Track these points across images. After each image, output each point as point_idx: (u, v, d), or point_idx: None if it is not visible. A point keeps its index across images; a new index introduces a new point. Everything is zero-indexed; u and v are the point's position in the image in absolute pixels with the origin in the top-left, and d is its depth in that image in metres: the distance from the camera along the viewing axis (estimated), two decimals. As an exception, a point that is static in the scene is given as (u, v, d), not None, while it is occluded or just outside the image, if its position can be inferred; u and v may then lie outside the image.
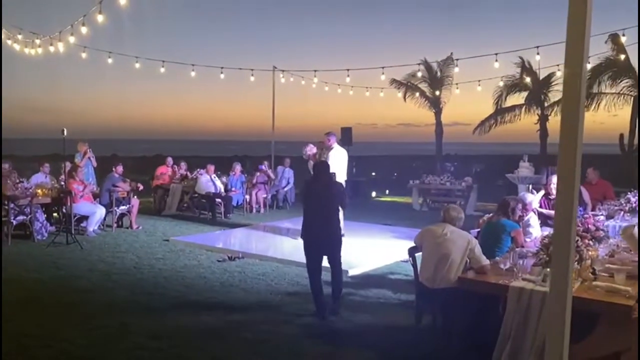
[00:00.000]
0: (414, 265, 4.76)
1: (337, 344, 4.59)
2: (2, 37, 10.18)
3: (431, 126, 20.06)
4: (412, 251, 4.81)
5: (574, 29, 2.18)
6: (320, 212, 5.44)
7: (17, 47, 10.05)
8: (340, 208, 5.75)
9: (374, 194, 16.65)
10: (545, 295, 3.82)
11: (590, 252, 4.29)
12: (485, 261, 4.35)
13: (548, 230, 5.98)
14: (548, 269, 4.03)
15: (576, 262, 4.16)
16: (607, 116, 18.54)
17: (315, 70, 14.08)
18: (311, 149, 8.74)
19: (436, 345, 4.54)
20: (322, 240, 5.43)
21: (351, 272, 6.86)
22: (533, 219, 6.08)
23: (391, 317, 5.27)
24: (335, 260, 5.48)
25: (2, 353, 4.21)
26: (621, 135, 18.09)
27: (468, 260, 4.45)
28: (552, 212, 6.53)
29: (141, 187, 10.46)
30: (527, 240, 5.73)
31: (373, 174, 22.30)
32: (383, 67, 12.94)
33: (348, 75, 13.99)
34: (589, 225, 4.87)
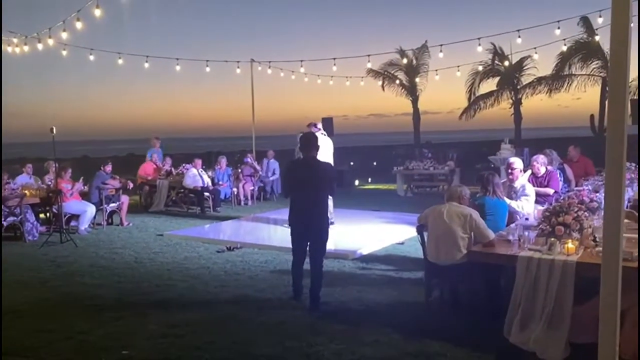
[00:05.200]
0: (422, 243, 4.93)
1: (351, 322, 4.73)
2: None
3: (402, 116, 20.57)
4: (419, 229, 4.98)
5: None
6: (308, 192, 5.09)
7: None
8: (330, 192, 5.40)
9: (356, 182, 16.88)
10: (552, 263, 4.05)
11: (589, 222, 4.53)
12: (491, 235, 4.56)
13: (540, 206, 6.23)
14: (553, 239, 4.28)
15: (577, 231, 4.41)
16: (572, 99, 19.33)
17: (301, 61, 14.14)
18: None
19: (446, 319, 4.73)
20: (308, 223, 5.14)
21: (350, 256, 7.04)
22: (529, 188, 6.21)
23: (399, 295, 5.46)
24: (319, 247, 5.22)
25: (16, 349, 4.25)
26: (592, 117, 18.66)
27: (472, 236, 4.64)
28: (541, 189, 6.76)
29: (132, 185, 10.43)
30: (519, 208, 5.92)
31: (351, 163, 22.55)
32: (369, 55, 13.11)
33: (334, 65, 14.09)
34: (584, 197, 5.14)
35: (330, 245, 7.41)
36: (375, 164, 23.26)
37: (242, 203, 12.71)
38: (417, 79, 18.99)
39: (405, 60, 18.02)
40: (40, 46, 9.28)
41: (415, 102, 19.83)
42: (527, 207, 5.97)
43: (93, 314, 5.08)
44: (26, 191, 9.24)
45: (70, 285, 6.15)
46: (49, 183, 9.81)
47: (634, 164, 7.73)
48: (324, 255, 5.31)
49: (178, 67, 13.35)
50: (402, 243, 7.88)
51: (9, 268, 6.89)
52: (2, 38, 10.09)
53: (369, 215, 10.47)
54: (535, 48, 13.44)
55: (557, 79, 17.57)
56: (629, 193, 6.42)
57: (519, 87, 18.68)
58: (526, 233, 4.42)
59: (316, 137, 5.42)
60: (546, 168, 6.94)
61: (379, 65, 18.96)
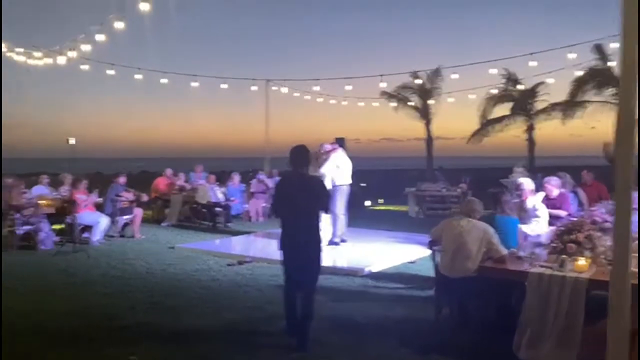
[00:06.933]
0: (434, 257, 4.94)
1: (360, 335, 4.73)
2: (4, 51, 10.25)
3: (414, 141, 20.48)
4: (431, 244, 4.99)
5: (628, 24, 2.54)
6: (299, 214, 4.57)
7: (21, 59, 10.09)
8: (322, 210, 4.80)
9: (367, 202, 16.86)
10: (563, 280, 4.04)
11: (601, 242, 4.51)
12: (504, 251, 4.56)
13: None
14: (564, 256, 4.27)
15: (590, 250, 4.40)
16: (586, 128, 19.25)
17: (316, 79, 14.28)
18: (325, 147, 8.91)
19: (456, 335, 4.71)
20: (299, 242, 4.65)
21: (359, 272, 7.05)
22: (541, 209, 6.20)
23: (408, 311, 5.44)
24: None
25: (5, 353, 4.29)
26: (605, 144, 18.49)
27: (485, 250, 4.63)
28: (553, 211, 6.74)
29: (145, 198, 10.54)
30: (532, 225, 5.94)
31: (363, 184, 22.56)
32: (382, 75, 13.26)
33: (349, 84, 14.20)
34: (596, 218, 5.13)
35: (339, 262, 7.45)
36: (386, 185, 23.27)
37: (254, 219, 12.76)
38: (430, 101, 19.06)
39: (419, 82, 18.15)
40: (61, 59, 9.48)
41: (428, 125, 19.89)
42: (537, 229, 5.96)
43: (102, 321, 5.12)
44: (42, 201, 9.39)
45: (80, 294, 6.19)
46: (65, 194, 9.95)
47: None
48: (315, 285, 4.74)
49: (196, 84, 13.52)
50: (413, 262, 7.85)
51: (19, 276, 6.96)
52: (23, 51, 10.35)
53: (380, 235, 10.44)
54: (550, 72, 13.50)
55: (571, 106, 17.53)
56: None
57: (532, 112, 18.67)
58: (537, 250, 4.42)
59: (308, 151, 4.76)
60: (559, 191, 6.93)
61: (392, 88, 19.13)
